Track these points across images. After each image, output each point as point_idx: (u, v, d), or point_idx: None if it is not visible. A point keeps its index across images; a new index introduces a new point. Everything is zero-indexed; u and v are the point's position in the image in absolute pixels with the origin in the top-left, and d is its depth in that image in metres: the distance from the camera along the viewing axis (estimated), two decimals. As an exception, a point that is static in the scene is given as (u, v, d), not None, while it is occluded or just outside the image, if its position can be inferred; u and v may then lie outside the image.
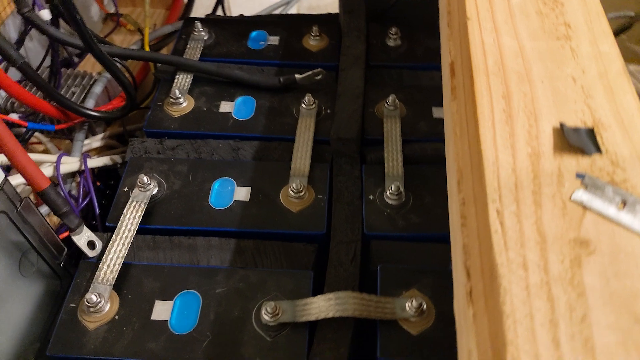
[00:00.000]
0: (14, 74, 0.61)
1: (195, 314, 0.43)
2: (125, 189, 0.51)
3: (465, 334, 0.29)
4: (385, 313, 0.41)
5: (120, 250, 0.46)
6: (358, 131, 0.54)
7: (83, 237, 0.46)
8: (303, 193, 0.49)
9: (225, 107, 0.58)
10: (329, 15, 0.74)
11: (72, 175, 0.60)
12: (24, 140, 0.63)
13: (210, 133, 0.56)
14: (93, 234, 0.47)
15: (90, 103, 0.66)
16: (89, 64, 0.82)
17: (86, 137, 0.65)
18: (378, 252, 0.46)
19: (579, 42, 0.36)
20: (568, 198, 0.28)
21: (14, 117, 0.63)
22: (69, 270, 0.49)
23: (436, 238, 0.47)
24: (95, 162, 0.59)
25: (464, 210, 0.33)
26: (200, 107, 0.59)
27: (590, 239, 0.26)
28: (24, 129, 0.62)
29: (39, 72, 0.69)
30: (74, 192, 0.60)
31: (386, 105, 0.57)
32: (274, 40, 0.67)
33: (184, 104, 0.58)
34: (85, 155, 0.59)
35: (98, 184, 0.63)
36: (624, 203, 0.28)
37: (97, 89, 0.68)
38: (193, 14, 0.94)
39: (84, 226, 0.46)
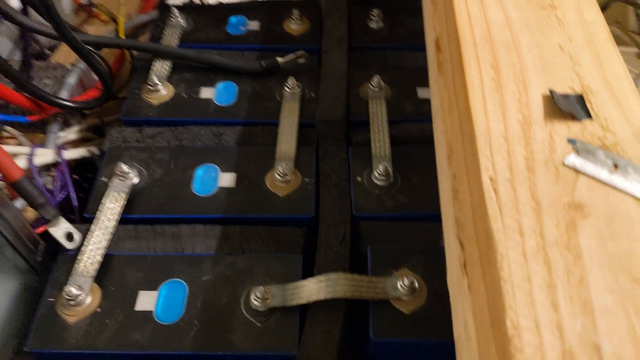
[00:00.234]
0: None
1: (182, 303, 0.41)
2: (104, 179, 0.49)
3: (461, 306, 0.28)
4: (377, 293, 0.40)
5: (101, 241, 0.44)
6: (343, 113, 0.53)
7: (60, 229, 0.44)
8: (289, 177, 0.48)
9: (206, 93, 0.57)
10: (309, -2, 0.72)
11: (47, 168, 0.58)
12: (-4, 134, 0.61)
13: (191, 120, 0.55)
14: (71, 226, 0.45)
15: (64, 95, 0.64)
16: (62, 56, 0.79)
17: (61, 130, 0.63)
18: (367, 233, 0.46)
19: (565, 11, 0.36)
20: (561, 163, 0.28)
21: (-17, 109, 0.61)
22: (47, 265, 0.47)
23: (425, 217, 0.46)
24: (71, 153, 0.57)
25: (455, 183, 0.33)
26: (180, 94, 0.57)
27: (584, 202, 0.26)
28: (-5, 122, 0.60)
29: (9, 63, 0.66)
30: (49, 186, 0.58)
31: (371, 86, 0.56)
32: (253, 25, 0.65)
33: (163, 92, 0.57)
34: (61, 147, 0.57)
35: (75, 177, 0.60)
36: (616, 166, 0.27)
37: (71, 79, 0.65)
38: (169, 2, 0.91)
39: (61, 217, 0.44)
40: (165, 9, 0.66)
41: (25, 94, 0.58)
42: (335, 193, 0.48)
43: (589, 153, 0.28)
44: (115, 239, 0.46)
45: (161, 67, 0.59)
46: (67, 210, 0.57)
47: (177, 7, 0.67)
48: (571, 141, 0.28)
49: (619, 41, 0.68)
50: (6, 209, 0.42)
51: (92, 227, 0.45)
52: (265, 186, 0.49)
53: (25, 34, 0.66)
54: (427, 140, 0.50)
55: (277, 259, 0.44)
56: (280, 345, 0.39)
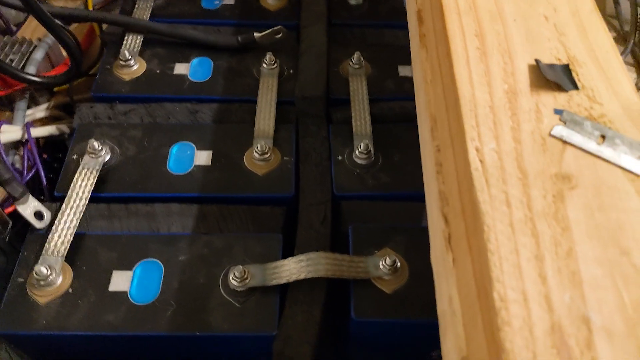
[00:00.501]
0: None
1: (157, 283, 0.40)
2: (74, 156, 0.47)
3: (445, 281, 0.28)
4: (358, 272, 0.39)
5: (72, 220, 0.42)
6: (324, 89, 0.51)
7: (29, 207, 0.42)
8: (268, 155, 0.47)
9: (180, 68, 0.55)
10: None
11: (14, 147, 0.55)
12: (-42, 112, 0.58)
13: (165, 96, 0.52)
14: (40, 204, 0.43)
15: (30, 70, 0.61)
16: (29, 32, 0.76)
17: (29, 108, 0.60)
18: (349, 212, 0.45)
19: (550, -19, 0.35)
20: (547, 134, 0.27)
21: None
22: (15, 246, 0.45)
23: (407, 196, 0.45)
24: (40, 131, 0.55)
25: (439, 156, 0.32)
26: (153, 69, 0.55)
27: (571, 173, 0.25)
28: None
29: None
30: (17, 165, 0.55)
31: (351, 63, 0.54)
32: (229, -1, 0.63)
33: (135, 67, 0.54)
34: (29, 124, 0.54)
35: (45, 156, 0.58)
36: (603, 137, 0.27)
37: (38, 55, 0.62)
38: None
39: (30, 195, 0.42)
40: (136, -18, 0.63)
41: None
42: (315, 172, 0.47)
43: (575, 124, 0.27)
44: (88, 218, 0.44)
45: (133, 42, 0.56)
46: (37, 192, 0.54)
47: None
48: (558, 112, 0.28)
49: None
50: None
51: (63, 205, 0.43)
52: (243, 165, 0.47)
53: (-13, 6, 0.62)
54: (409, 119, 0.49)
55: (256, 239, 0.43)
56: (260, 326, 0.38)
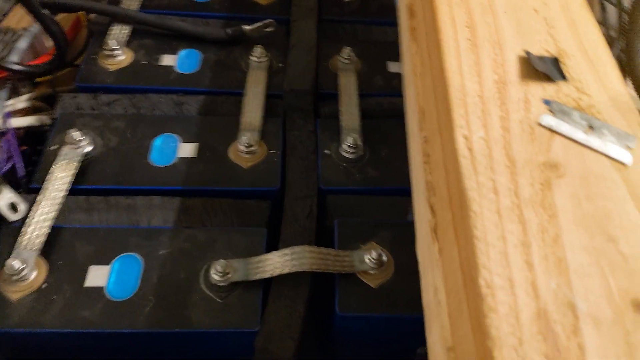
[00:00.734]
0: None
1: (136, 278, 0.39)
2: (54, 147, 0.46)
3: (430, 272, 0.27)
4: (343, 266, 0.39)
5: (48, 212, 0.41)
6: (312, 83, 0.51)
7: (4, 199, 0.41)
8: (254, 148, 0.46)
9: (167, 60, 0.54)
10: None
11: (-7, 137, 0.54)
12: None
13: (150, 87, 0.51)
14: (16, 195, 0.42)
15: (13, 59, 0.59)
16: (13, 22, 0.74)
17: (9, 98, 0.58)
18: (335, 206, 0.44)
19: (540, -26, 0.35)
20: (536, 123, 0.27)
21: None
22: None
23: (394, 191, 0.45)
24: (19, 121, 0.53)
25: (426, 147, 0.31)
26: (139, 60, 0.54)
27: (559, 162, 0.25)
28: None
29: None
30: (-5, 156, 0.54)
31: (341, 58, 0.54)
32: (220, -8, 0.62)
33: (121, 57, 0.53)
34: (8, 114, 0.53)
35: (24, 148, 0.56)
36: (591, 127, 0.27)
37: (22, 44, 0.61)
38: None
39: (5, 186, 0.41)
40: (125, -27, 0.62)
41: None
42: (302, 165, 0.46)
43: (564, 114, 0.27)
44: (65, 210, 0.42)
45: (120, 32, 0.55)
46: (14, 185, 0.53)
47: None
48: (546, 102, 0.27)
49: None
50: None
51: (39, 197, 0.41)
52: (228, 157, 0.46)
53: (-31, -6, 0.61)
54: (398, 115, 0.49)
55: (240, 233, 0.42)
56: (242, 322, 0.37)
